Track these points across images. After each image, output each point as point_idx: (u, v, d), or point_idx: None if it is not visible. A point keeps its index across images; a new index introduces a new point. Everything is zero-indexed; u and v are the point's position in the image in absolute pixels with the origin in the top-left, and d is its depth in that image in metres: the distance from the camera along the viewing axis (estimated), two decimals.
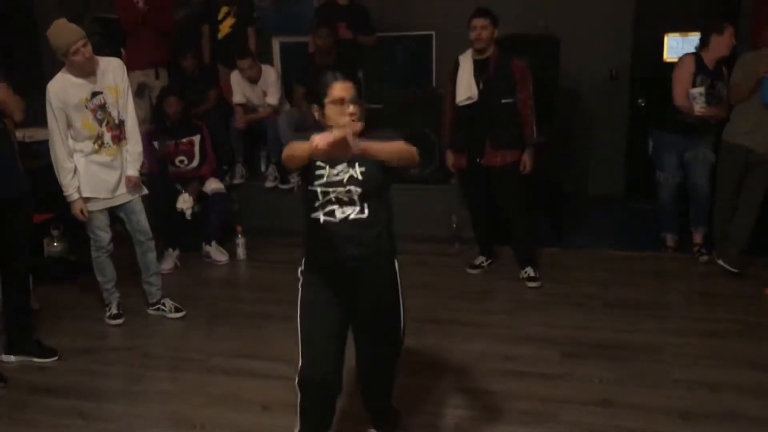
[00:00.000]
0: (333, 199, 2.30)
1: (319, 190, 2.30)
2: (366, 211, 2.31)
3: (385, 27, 6.19)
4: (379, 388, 2.61)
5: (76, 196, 3.69)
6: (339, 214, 2.30)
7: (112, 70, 3.73)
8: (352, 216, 2.30)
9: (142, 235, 3.96)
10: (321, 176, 2.29)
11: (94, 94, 3.63)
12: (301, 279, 2.46)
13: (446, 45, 6.26)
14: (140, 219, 3.94)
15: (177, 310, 4.08)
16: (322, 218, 2.31)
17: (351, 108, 2.30)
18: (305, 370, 2.37)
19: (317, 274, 2.42)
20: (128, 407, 3.07)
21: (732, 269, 4.44)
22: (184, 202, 4.95)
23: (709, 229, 4.78)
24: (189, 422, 2.91)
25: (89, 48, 3.54)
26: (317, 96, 2.33)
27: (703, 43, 4.54)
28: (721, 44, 4.45)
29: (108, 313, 4.03)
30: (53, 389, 3.26)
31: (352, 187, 2.29)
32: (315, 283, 2.42)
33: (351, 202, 2.29)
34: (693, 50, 4.64)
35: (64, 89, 3.57)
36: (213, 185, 5.18)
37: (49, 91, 3.56)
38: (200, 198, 5.09)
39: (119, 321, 4.02)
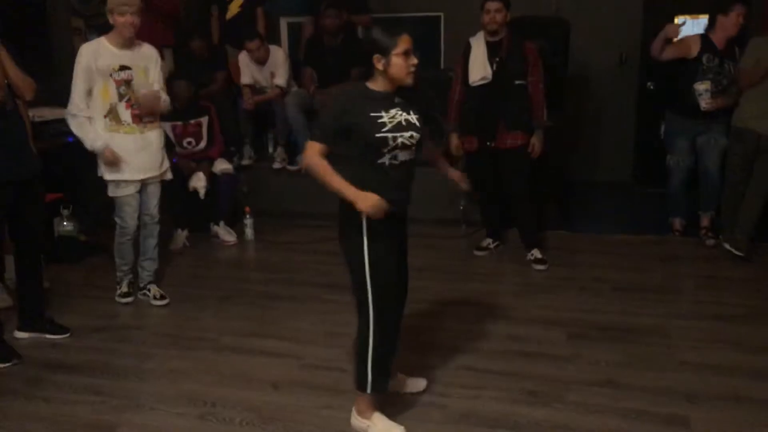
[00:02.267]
0: (399, 144, 2.48)
1: (389, 135, 2.46)
2: (414, 156, 2.56)
3: (394, 8, 6.17)
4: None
5: (100, 143, 3.63)
6: (401, 157, 2.51)
7: (148, 54, 3.81)
8: (408, 160, 2.54)
9: (150, 218, 3.97)
10: (384, 124, 2.46)
11: (123, 68, 3.66)
12: (366, 223, 2.49)
13: (455, 26, 6.25)
14: (153, 202, 3.95)
15: (162, 297, 4.04)
16: (387, 162, 2.49)
17: (414, 59, 2.47)
18: (386, 317, 2.55)
19: (380, 222, 2.48)
20: (140, 384, 3.11)
21: (739, 253, 4.45)
22: (199, 181, 4.97)
23: (717, 214, 4.79)
24: (200, 400, 2.95)
25: (137, 20, 3.62)
26: (382, 47, 2.43)
27: (711, 24, 4.55)
28: (727, 24, 4.45)
29: (118, 291, 4.06)
30: (66, 366, 3.30)
31: (414, 133, 2.51)
32: (381, 233, 2.51)
33: (409, 147, 2.51)
34: (702, 31, 4.66)
35: (97, 51, 3.62)
36: (222, 166, 5.20)
37: (82, 49, 3.62)
38: (209, 179, 5.11)
39: (129, 299, 4.05)
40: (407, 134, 2.48)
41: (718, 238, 4.72)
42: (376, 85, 2.52)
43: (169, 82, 5.12)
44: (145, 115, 3.70)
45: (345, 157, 2.53)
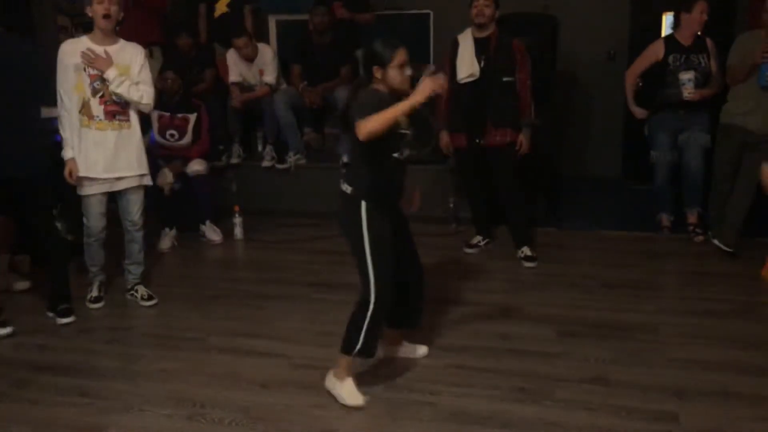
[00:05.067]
0: (405, 143, 2.78)
1: (402, 131, 2.75)
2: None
3: (383, 6, 6.15)
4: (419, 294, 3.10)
5: (69, 154, 3.63)
6: (404, 152, 2.80)
7: (132, 53, 3.73)
8: (405, 157, 2.82)
9: (131, 224, 3.90)
10: (400, 125, 2.71)
11: None
12: (366, 213, 2.73)
13: (444, 24, 6.23)
14: (133, 208, 3.87)
15: (149, 298, 4.00)
16: (396, 156, 2.77)
17: (409, 71, 2.71)
18: (385, 294, 2.79)
19: (381, 206, 2.77)
20: (128, 386, 3.08)
21: (727, 249, 4.46)
22: (164, 178, 4.91)
23: (703, 210, 4.80)
24: (188, 400, 2.92)
25: (115, 10, 3.56)
26: (380, 59, 2.68)
27: (676, 23, 4.60)
28: (690, 22, 4.52)
29: (88, 296, 3.96)
30: (53, 367, 3.27)
31: (409, 131, 2.79)
32: (381, 215, 2.77)
33: (405, 144, 2.80)
34: (669, 32, 4.74)
35: (75, 47, 3.58)
36: (194, 167, 5.10)
37: (61, 48, 3.60)
38: (177, 177, 5.05)
39: (99, 305, 3.95)
40: (408, 132, 2.77)
41: (706, 234, 4.73)
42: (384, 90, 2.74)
43: (160, 72, 5.13)
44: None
45: (367, 150, 2.70)
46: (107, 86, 3.61)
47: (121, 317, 3.88)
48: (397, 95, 2.71)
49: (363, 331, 2.79)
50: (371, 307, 2.77)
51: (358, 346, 2.81)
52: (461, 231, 5.11)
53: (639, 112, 4.80)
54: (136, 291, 4.04)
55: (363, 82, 2.79)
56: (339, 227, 2.92)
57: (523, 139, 4.37)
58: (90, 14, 3.59)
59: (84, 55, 3.56)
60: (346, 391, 2.85)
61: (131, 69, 3.70)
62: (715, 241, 4.56)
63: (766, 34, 4.19)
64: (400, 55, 2.68)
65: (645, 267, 4.42)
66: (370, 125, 2.55)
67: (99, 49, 3.61)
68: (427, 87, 2.53)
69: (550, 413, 2.76)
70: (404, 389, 2.95)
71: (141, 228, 3.95)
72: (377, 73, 2.71)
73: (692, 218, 4.86)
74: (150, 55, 5.80)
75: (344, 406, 2.84)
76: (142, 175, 3.86)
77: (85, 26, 4.30)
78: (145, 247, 4.11)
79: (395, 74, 2.69)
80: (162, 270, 4.61)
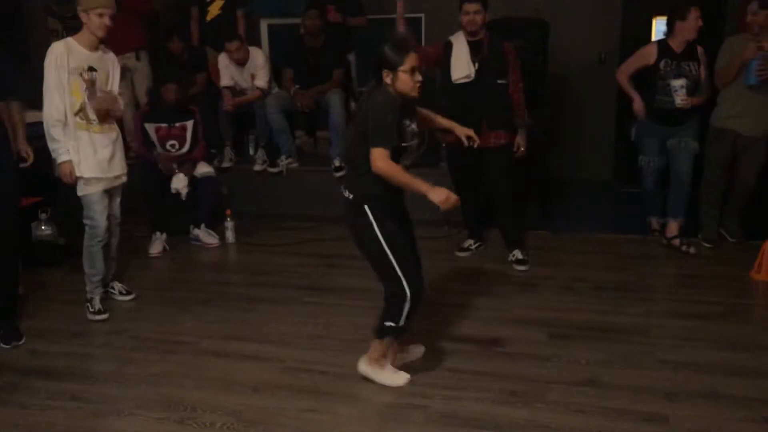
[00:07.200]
0: (413, 148, 2.87)
1: (411, 143, 2.85)
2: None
3: (375, 10, 6.16)
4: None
5: (65, 156, 3.61)
6: (409, 159, 2.90)
7: (111, 59, 3.81)
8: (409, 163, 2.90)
9: (114, 218, 3.96)
10: (409, 132, 2.82)
11: (90, 69, 3.63)
12: (372, 214, 2.80)
13: (436, 27, 6.26)
14: (117, 203, 3.96)
15: (127, 293, 4.07)
16: (402, 163, 2.82)
17: (419, 76, 2.73)
18: (417, 283, 2.88)
19: (388, 207, 2.84)
20: (119, 389, 3.08)
21: (707, 245, 4.48)
22: (180, 182, 4.94)
23: (685, 220, 4.76)
24: (180, 404, 2.92)
25: (110, 22, 3.60)
26: (391, 63, 2.69)
27: (670, 30, 4.54)
28: (685, 29, 4.43)
29: (91, 309, 3.88)
30: (44, 372, 3.25)
31: (417, 141, 2.89)
32: (388, 215, 2.84)
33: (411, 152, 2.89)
34: (662, 37, 4.70)
35: (69, 49, 3.59)
36: (203, 169, 5.17)
37: (53, 48, 3.58)
38: (190, 181, 5.07)
39: (104, 316, 3.87)
40: (415, 142, 2.84)
41: (696, 238, 4.73)
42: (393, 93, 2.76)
43: (156, 86, 5.11)
44: (101, 116, 3.67)
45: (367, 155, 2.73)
46: (95, 91, 3.64)
47: (114, 321, 3.86)
48: (404, 98, 2.76)
49: (404, 313, 2.85)
50: (407, 302, 2.83)
51: (400, 324, 2.86)
52: (453, 234, 5.12)
53: (638, 106, 4.59)
54: (113, 287, 4.08)
55: (378, 84, 2.77)
56: (350, 234, 2.94)
57: (520, 140, 4.39)
58: (84, 20, 3.60)
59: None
60: (387, 376, 2.98)
61: (110, 75, 3.79)
62: (699, 236, 4.58)
63: (753, 35, 4.22)
64: (411, 60, 2.69)
65: (636, 270, 4.44)
66: (387, 169, 2.66)
67: (82, 61, 3.62)
68: (443, 199, 2.64)
69: (542, 416, 2.77)
70: (395, 392, 2.96)
71: (121, 223, 4.05)
72: (387, 77, 2.72)
73: (673, 229, 4.74)
74: (137, 58, 5.83)
75: (337, 410, 2.85)
76: (126, 172, 3.96)
77: (75, 30, 4.29)
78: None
79: (405, 78, 2.70)
80: (154, 274, 4.61)
